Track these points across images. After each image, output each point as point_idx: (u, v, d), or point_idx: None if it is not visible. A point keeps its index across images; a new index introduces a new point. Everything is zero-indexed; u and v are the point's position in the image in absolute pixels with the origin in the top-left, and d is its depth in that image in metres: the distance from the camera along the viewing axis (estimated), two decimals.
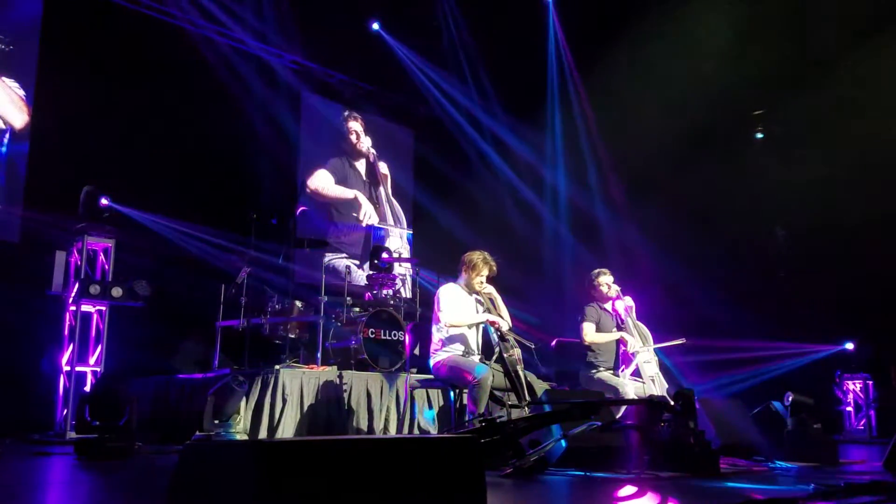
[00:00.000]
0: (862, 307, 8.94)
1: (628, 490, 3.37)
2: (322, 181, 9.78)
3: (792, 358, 9.18)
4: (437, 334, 5.34)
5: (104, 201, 6.55)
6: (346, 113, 10.36)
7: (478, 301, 5.46)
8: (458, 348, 5.27)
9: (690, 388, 4.40)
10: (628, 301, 6.02)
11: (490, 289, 5.46)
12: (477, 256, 5.41)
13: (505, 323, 5.22)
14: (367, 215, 10.22)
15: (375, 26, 10.22)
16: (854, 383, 9.37)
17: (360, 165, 10.36)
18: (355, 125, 10.37)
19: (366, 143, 10.42)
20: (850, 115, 8.88)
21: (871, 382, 9.28)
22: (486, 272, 5.40)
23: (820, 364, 9.34)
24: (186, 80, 7.93)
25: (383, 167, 10.63)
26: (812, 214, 9.23)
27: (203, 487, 1.78)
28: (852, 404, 9.39)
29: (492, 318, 5.23)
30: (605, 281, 6.08)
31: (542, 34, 10.73)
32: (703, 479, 3.84)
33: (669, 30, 9.15)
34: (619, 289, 6.09)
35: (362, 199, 10.21)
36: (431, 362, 5.38)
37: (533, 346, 5.57)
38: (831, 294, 9.20)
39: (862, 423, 9.26)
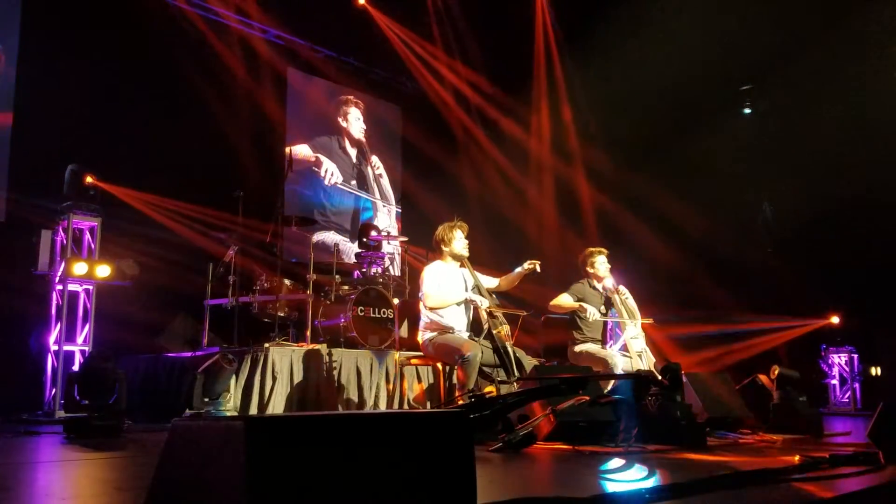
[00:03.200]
0: (847, 281, 9.02)
1: (616, 463, 3.40)
2: (297, 150, 9.67)
3: (778, 332, 9.26)
4: (425, 311, 5.35)
5: (89, 180, 6.47)
6: (348, 97, 10.29)
7: (465, 276, 5.48)
8: (446, 325, 5.28)
9: (677, 362, 4.44)
10: (623, 290, 6.01)
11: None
12: (442, 228, 5.49)
13: (484, 302, 5.21)
14: (330, 173, 10.06)
15: (362, 1, 10.10)
16: (839, 356, 9.48)
17: (350, 146, 10.31)
18: (355, 111, 10.32)
19: (362, 130, 10.37)
20: (838, 89, 8.90)
21: (855, 356, 9.39)
22: (460, 234, 5.45)
23: (806, 338, 9.43)
24: (171, 56, 7.83)
25: (371, 147, 10.58)
26: (799, 189, 9.26)
27: (192, 464, 1.78)
28: (837, 377, 9.50)
29: (472, 297, 5.25)
30: (600, 261, 6.08)
31: (530, 8, 10.64)
32: (690, 452, 3.88)
33: (658, 2, 9.11)
34: (609, 266, 6.10)
35: (324, 159, 10.03)
36: (420, 339, 5.40)
37: (524, 314, 5.59)
38: (817, 268, 9.27)
39: (847, 395, 9.37)
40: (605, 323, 5.94)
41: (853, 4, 8.51)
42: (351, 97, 10.34)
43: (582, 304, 5.80)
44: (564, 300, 5.89)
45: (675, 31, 9.00)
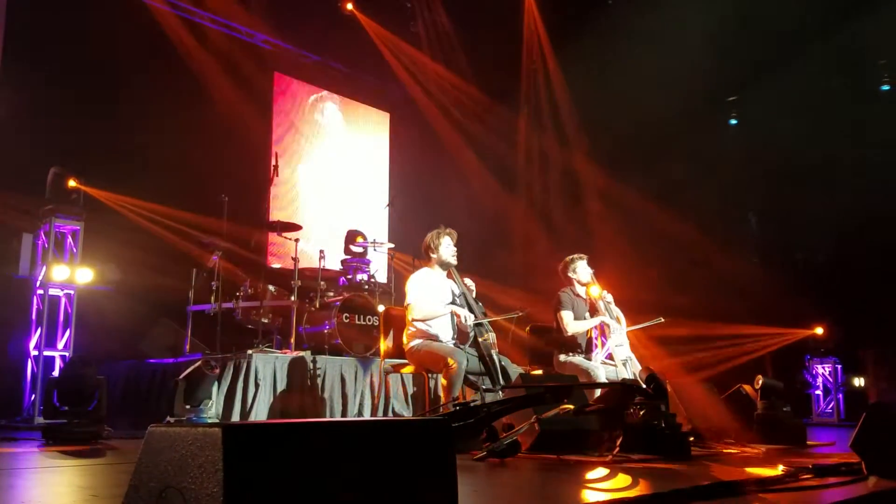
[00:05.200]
0: (831, 292, 9.06)
1: (599, 472, 3.39)
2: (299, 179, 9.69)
3: (762, 342, 9.29)
4: (411, 319, 5.32)
5: (72, 183, 6.41)
6: (320, 94, 10.25)
7: (452, 285, 5.45)
8: (432, 333, 5.25)
9: (662, 371, 4.43)
10: (607, 296, 6.01)
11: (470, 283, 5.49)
12: (431, 235, 5.46)
13: (469, 316, 5.18)
14: (345, 198, 10.16)
15: (349, 7, 10.09)
16: (823, 367, 9.52)
17: (332, 148, 10.28)
18: (330, 108, 10.27)
19: (338, 126, 10.33)
20: (825, 101, 8.98)
21: (839, 366, 9.43)
22: (448, 241, 5.41)
23: (790, 348, 9.47)
24: (156, 59, 7.80)
25: (354, 148, 10.58)
26: (784, 200, 9.32)
27: (168, 471, 1.75)
28: (821, 387, 9.54)
29: (456, 309, 5.22)
30: (581, 267, 6.07)
31: (517, 14, 10.68)
32: (673, 462, 3.87)
33: (645, 10, 9.15)
34: (591, 271, 6.08)
35: (337, 182, 10.13)
36: (406, 347, 5.36)
37: (521, 314, 5.58)
38: (802, 279, 9.30)
39: (830, 405, 9.41)
40: (591, 332, 5.93)
41: (840, 17, 8.58)
42: (324, 93, 10.28)
43: (603, 320, 5.79)
44: (580, 324, 5.86)
45: (662, 41, 9.05)
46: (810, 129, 9.00)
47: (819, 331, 9.57)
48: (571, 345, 5.88)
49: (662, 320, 5.94)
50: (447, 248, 5.41)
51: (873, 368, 9.30)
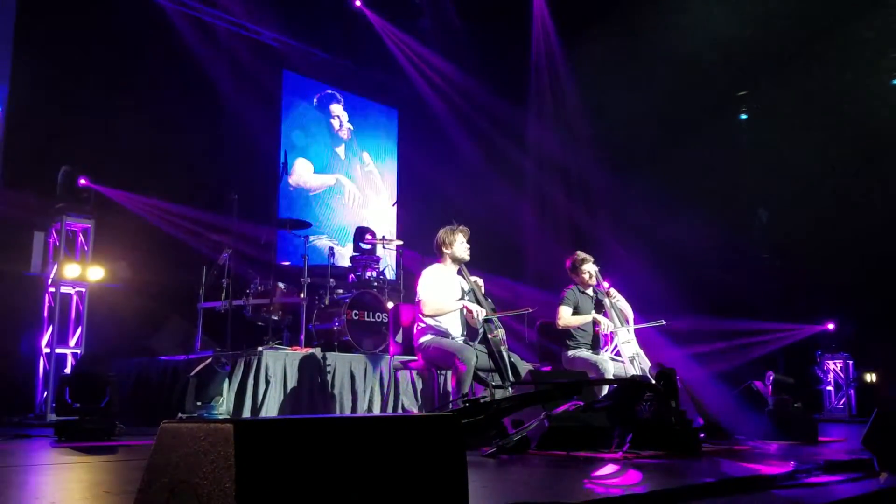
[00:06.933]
0: (843, 288, 9.02)
1: (609, 468, 3.38)
2: (302, 174, 9.71)
3: (773, 338, 9.25)
4: (421, 315, 5.32)
5: (83, 181, 6.45)
6: (328, 93, 10.26)
7: (462, 282, 5.45)
8: (442, 329, 5.26)
9: (672, 367, 4.42)
10: (614, 293, 6.01)
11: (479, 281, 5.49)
12: (444, 231, 5.45)
13: (481, 312, 5.18)
14: (354, 197, 10.19)
15: (357, 3, 10.09)
16: (834, 363, 9.48)
17: (340, 147, 10.29)
18: (337, 108, 10.28)
19: (347, 126, 10.35)
20: (834, 95, 8.93)
21: (850, 362, 9.39)
22: (461, 237, 5.41)
23: (801, 344, 9.44)
24: (165, 57, 7.82)
25: (362, 146, 10.58)
26: (794, 195, 9.28)
27: (181, 467, 1.76)
28: (832, 383, 9.50)
29: (468, 304, 5.21)
30: (588, 269, 6.08)
31: (527, 10, 10.65)
32: (683, 458, 3.86)
33: (655, 7, 9.11)
34: (597, 269, 6.09)
35: (345, 180, 10.15)
36: (415, 343, 5.37)
37: (529, 311, 5.60)
38: (813, 275, 9.26)
39: (842, 401, 9.37)
40: (595, 327, 5.93)
41: (849, 11, 8.52)
42: (328, 90, 10.29)
43: (596, 317, 5.80)
44: (574, 318, 5.88)
45: (671, 36, 9.01)
46: (819, 124, 8.96)
47: (830, 326, 9.53)
48: (573, 339, 5.88)
49: (664, 322, 5.94)
50: (461, 244, 5.41)
51: (885, 364, 9.25)
